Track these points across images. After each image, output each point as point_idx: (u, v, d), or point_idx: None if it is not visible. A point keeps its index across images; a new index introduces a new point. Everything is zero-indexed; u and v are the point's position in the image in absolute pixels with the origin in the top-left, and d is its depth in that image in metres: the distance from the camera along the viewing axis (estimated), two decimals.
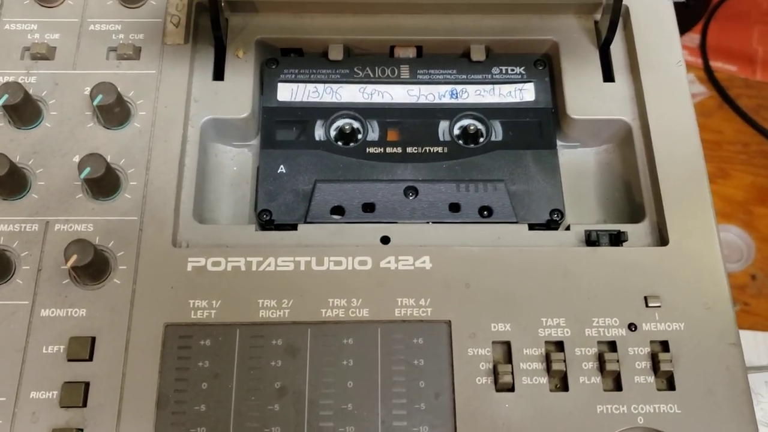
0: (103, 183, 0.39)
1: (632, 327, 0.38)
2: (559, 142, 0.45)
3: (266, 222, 0.42)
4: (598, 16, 0.46)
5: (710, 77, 0.83)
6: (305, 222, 0.42)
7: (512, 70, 0.46)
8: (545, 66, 0.46)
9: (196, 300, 0.38)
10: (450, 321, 0.38)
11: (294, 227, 0.41)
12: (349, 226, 0.41)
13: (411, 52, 0.47)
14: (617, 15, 0.44)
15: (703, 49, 0.84)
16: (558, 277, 0.39)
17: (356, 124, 0.45)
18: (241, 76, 0.44)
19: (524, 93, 0.46)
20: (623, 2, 0.44)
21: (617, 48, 0.46)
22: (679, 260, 0.39)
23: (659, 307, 0.38)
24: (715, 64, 0.84)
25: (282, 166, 0.43)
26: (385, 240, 0.40)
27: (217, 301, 0.38)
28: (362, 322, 0.38)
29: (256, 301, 0.38)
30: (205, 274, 0.38)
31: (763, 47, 0.85)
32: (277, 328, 0.37)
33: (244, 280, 0.38)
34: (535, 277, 0.39)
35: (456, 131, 0.45)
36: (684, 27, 0.85)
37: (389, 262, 0.39)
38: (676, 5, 0.47)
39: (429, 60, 0.47)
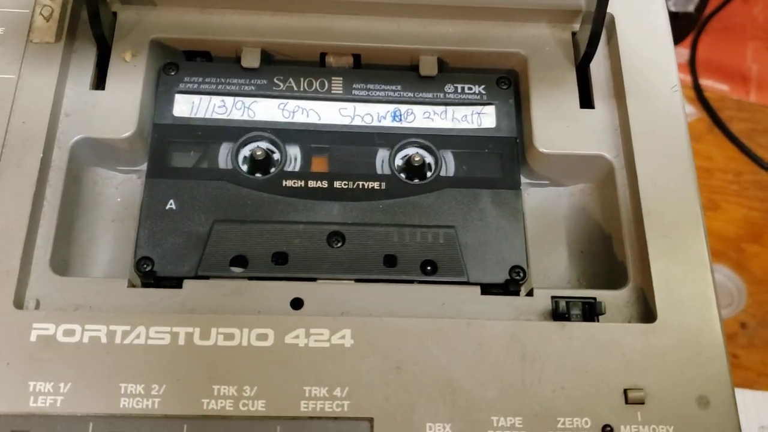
0: None
1: (607, 431, 0.29)
2: (524, 179, 0.37)
3: (146, 274, 0.32)
4: (576, 27, 0.38)
5: (700, 97, 0.74)
6: (196, 276, 0.32)
7: (470, 88, 0.37)
8: (510, 85, 0.37)
9: (38, 382, 0.29)
10: (372, 419, 0.29)
11: (179, 283, 0.32)
12: (252, 283, 0.32)
13: (346, 62, 0.38)
14: (600, 25, 0.35)
15: (692, 66, 0.76)
16: (515, 362, 0.30)
17: (272, 149, 0.36)
18: (129, 84, 0.35)
19: (483, 118, 0.37)
20: (608, 10, 0.35)
21: (599, 66, 0.37)
22: (669, 342, 0.31)
23: (642, 404, 0.30)
24: (706, 82, 0.76)
25: (172, 201, 0.34)
26: (297, 304, 0.31)
27: (66, 384, 0.29)
28: (257, 418, 0.28)
29: (118, 386, 0.29)
30: (53, 347, 0.29)
31: (758, 65, 0.77)
32: (144, 423, 0.28)
33: (104, 357, 0.29)
34: (486, 360, 0.30)
35: (398, 163, 0.36)
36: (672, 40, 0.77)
37: (297, 337, 0.30)
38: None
39: (368, 72, 0.38)
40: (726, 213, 0.68)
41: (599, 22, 0.35)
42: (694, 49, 0.78)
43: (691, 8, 0.27)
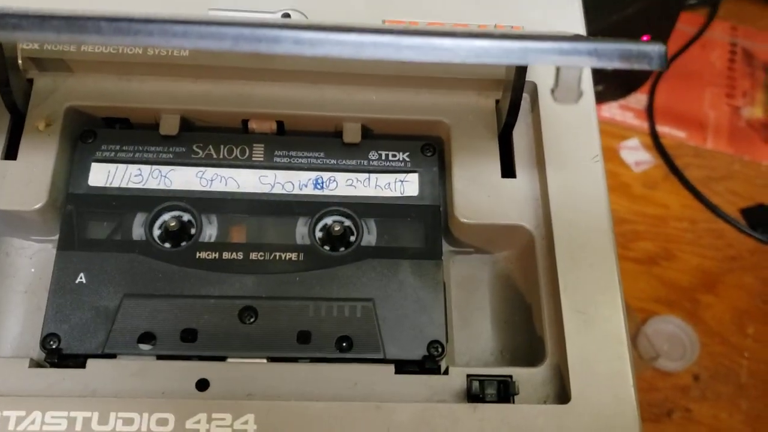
0: None
1: None
2: (448, 247, 0.36)
3: (51, 351, 0.31)
4: (500, 94, 0.37)
5: (657, 144, 0.75)
6: (103, 353, 0.31)
7: (394, 155, 0.37)
8: (434, 152, 0.37)
9: None
10: None
11: (84, 362, 0.31)
12: (157, 363, 0.31)
13: (269, 128, 0.37)
14: (518, 95, 0.35)
15: (650, 112, 0.76)
16: None
17: (187, 219, 0.35)
18: (42, 153, 0.34)
19: (406, 185, 0.36)
20: (529, 79, 0.35)
21: (521, 135, 0.37)
22: (582, 424, 0.30)
23: None
24: (663, 129, 0.76)
25: (82, 275, 0.33)
26: (203, 385, 0.31)
27: None
28: None
29: None
30: None
31: (715, 112, 0.77)
32: None
33: None
34: None
35: (318, 232, 0.35)
36: (630, 87, 0.77)
37: (198, 422, 0.29)
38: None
39: (291, 139, 0.37)
40: (680, 262, 0.68)
41: (518, 92, 0.34)
42: (651, 95, 0.78)
43: (576, 101, 0.26)
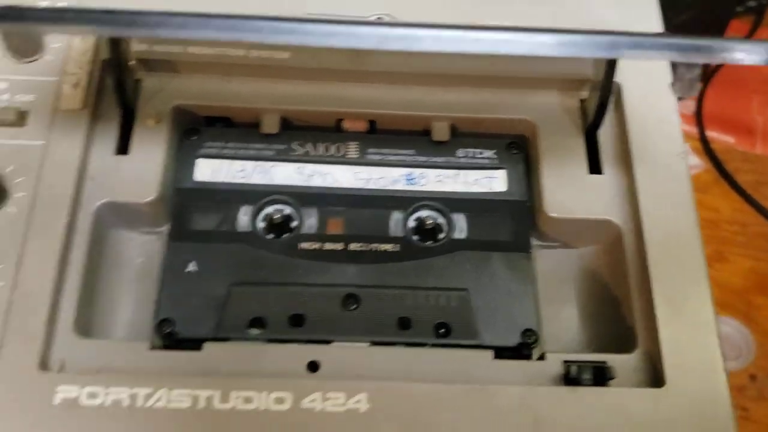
0: None
1: None
2: (535, 241, 0.38)
3: (166, 335, 0.33)
4: (584, 94, 0.39)
5: (706, 149, 0.76)
6: (215, 338, 0.33)
7: (481, 153, 0.39)
8: (520, 150, 0.39)
9: None
10: None
11: (199, 346, 0.33)
12: (269, 346, 0.33)
13: (362, 127, 0.39)
14: (607, 94, 0.36)
15: (699, 118, 0.77)
16: (526, 427, 0.30)
17: (289, 212, 0.37)
18: (152, 149, 0.36)
19: (494, 182, 0.38)
20: (615, 79, 0.37)
21: (607, 133, 0.38)
22: (677, 406, 0.31)
23: None
24: (712, 134, 0.77)
25: (193, 263, 0.35)
26: (314, 366, 0.32)
27: None
28: None
29: None
30: (77, 410, 0.30)
31: (763, 118, 0.78)
32: None
33: (127, 420, 0.30)
34: (498, 426, 0.30)
35: (411, 225, 0.37)
36: (681, 94, 0.78)
37: (314, 401, 0.31)
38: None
39: (382, 138, 0.39)
40: (733, 265, 0.68)
41: (607, 91, 0.36)
42: (700, 102, 0.79)
43: (694, 93, 0.28)
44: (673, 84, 0.29)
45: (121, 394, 0.30)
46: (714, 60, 0.27)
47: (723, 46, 0.27)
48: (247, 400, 0.30)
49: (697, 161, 0.75)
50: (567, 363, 0.33)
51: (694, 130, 0.77)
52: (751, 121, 0.78)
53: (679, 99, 0.27)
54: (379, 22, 0.27)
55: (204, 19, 0.30)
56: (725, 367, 0.32)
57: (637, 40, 0.29)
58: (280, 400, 0.30)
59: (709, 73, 0.80)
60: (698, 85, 0.28)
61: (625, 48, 0.30)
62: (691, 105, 0.79)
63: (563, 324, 0.36)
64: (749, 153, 0.76)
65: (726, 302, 0.66)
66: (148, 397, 0.30)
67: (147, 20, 0.31)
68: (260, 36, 0.24)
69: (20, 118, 0.35)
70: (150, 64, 0.38)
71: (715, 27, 0.71)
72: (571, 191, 0.36)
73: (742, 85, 0.81)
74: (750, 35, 0.82)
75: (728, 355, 0.63)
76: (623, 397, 0.31)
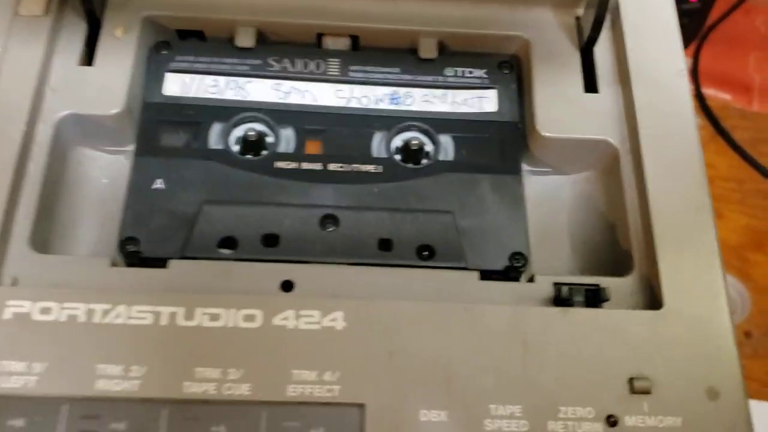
0: None
1: (612, 421, 0.28)
2: (525, 167, 0.35)
3: (130, 254, 0.31)
4: (580, 11, 0.37)
5: (702, 106, 0.74)
6: (183, 257, 0.31)
7: (471, 72, 0.36)
8: (512, 69, 0.36)
9: (10, 361, 0.27)
10: (364, 405, 0.27)
11: (164, 264, 0.30)
12: (241, 264, 0.31)
13: (344, 43, 0.37)
14: (603, 9, 0.34)
15: (694, 75, 0.75)
16: (515, 348, 0.28)
17: (265, 130, 0.34)
18: (119, 60, 0.34)
19: (484, 102, 0.36)
20: None
21: (603, 51, 0.36)
22: (676, 330, 0.29)
23: (649, 393, 0.28)
24: (708, 91, 0.75)
25: (160, 181, 0.33)
26: (288, 286, 0.30)
27: (40, 364, 0.27)
28: (241, 403, 0.27)
29: (95, 367, 0.27)
30: (28, 325, 0.28)
31: (760, 75, 0.76)
32: (120, 406, 0.27)
33: (82, 336, 0.28)
34: (484, 346, 0.28)
35: (395, 146, 0.35)
36: None
37: (286, 319, 0.28)
38: None
39: (366, 54, 0.36)
40: (729, 221, 0.67)
41: (603, 5, 0.34)
42: (696, 59, 0.77)
43: None
44: None
45: (76, 310, 0.28)
46: None
47: None
48: (214, 317, 0.28)
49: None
50: (558, 284, 0.31)
51: (690, 87, 0.75)
52: (747, 78, 0.76)
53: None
54: None
55: None
56: (727, 292, 0.30)
57: None
58: (250, 318, 0.28)
59: (705, 29, 0.78)
60: None
61: None
62: (686, 61, 0.76)
63: (555, 250, 0.34)
64: (746, 110, 0.74)
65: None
66: (106, 312, 0.28)
67: None
68: None
69: None
70: None
71: None
72: (565, 110, 0.34)
73: (739, 42, 0.79)
74: None
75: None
76: (617, 319, 0.29)
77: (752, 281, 0.63)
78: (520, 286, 0.31)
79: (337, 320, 0.28)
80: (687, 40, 0.76)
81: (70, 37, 0.34)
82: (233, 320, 0.28)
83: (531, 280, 0.31)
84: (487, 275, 0.31)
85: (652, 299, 0.31)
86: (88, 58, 0.34)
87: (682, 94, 0.34)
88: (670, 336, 0.29)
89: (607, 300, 0.30)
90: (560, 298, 0.30)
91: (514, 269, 0.32)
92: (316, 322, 0.28)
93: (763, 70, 0.77)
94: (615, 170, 0.34)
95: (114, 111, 0.33)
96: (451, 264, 0.32)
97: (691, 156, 0.33)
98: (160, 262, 0.31)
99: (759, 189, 0.69)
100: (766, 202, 0.68)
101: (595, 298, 0.30)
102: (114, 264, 0.30)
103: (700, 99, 0.74)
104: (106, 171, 0.35)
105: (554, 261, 0.34)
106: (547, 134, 0.34)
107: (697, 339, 0.29)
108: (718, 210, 0.67)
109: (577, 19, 0.36)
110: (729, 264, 0.64)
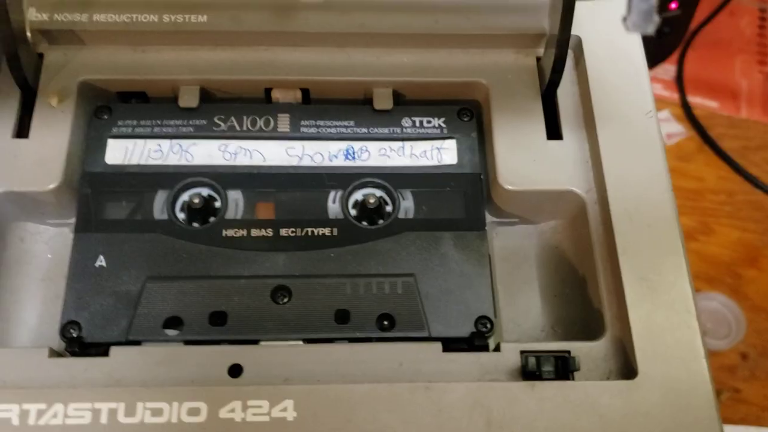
0: None
1: None
2: (490, 218, 0.34)
3: (72, 340, 0.29)
4: (541, 51, 0.35)
5: (688, 115, 0.72)
6: (127, 341, 0.29)
7: (429, 122, 0.34)
8: (472, 117, 0.34)
9: None
10: None
11: (107, 351, 0.29)
12: (186, 349, 0.29)
13: (294, 97, 0.35)
14: (564, 49, 0.32)
15: (679, 83, 0.73)
16: (479, 429, 0.27)
17: (211, 195, 0.33)
18: (55, 130, 0.32)
19: (444, 153, 0.34)
20: (573, 33, 0.33)
21: (566, 93, 0.34)
22: (652, 399, 0.27)
23: None
24: (694, 99, 0.73)
25: (102, 257, 0.31)
26: (236, 371, 0.28)
27: None
28: None
29: None
30: None
31: (747, 80, 0.74)
32: None
33: None
34: (446, 428, 0.27)
35: (351, 205, 0.33)
36: (658, 57, 0.74)
37: (233, 411, 0.27)
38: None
39: (318, 108, 0.35)
40: (720, 236, 0.65)
41: (563, 45, 0.32)
42: (680, 65, 0.75)
43: (651, 29, 0.24)
44: (625, 19, 0.24)
45: (9, 411, 0.26)
46: None
47: None
48: (156, 412, 0.26)
49: (679, 128, 0.71)
50: (525, 354, 0.29)
51: (675, 95, 0.73)
52: (734, 84, 0.74)
53: (659, 33, 0.23)
54: None
55: None
56: (706, 353, 0.28)
57: None
58: (194, 411, 0.27)
59: (689, 35, 0.76)
60: (656, 18, 0.23)
61: None
62: (671, 69, 0.75)
63: (522, 309, 0.32)
64: (734, 117, 0.72)
65: (713, 276, 0.63)
66: (42, 413, 0.26)
67: None
68: None
69: None
70: (51, 35, 0.34)
71: None
72: (528, 159, 0.32)
73: (724, 47, 0.77)
74: None
75: (717, 333, 0.60)
76: (589, 392, 0.27)
77: (747, 299, 0.61)
78: (485, 357, 0.29)
79: (287, 410, 0.27)
80: (669, 48, 0.74)
81: (3, 108, 0.32)
82: (177, 415, 0.26)
83: (497, 348, 0.29)
84: (451, 344, 0.30)
85: (626, 365, 0.29)
86: (23, 130, 0.32)
87: (651, 137, 0.32)
88: (645, 407, 0.27)
89: (577, 369, 0.28)
90: (528, 371, 0.28)
91: (479, 335, 0.30)
92: (264, 413, 0.27)
93: (749, 74, 0.75)
94: (582, 221, 0.32)
95: (52, 186, 0.31)
96: (413, 334, 0.30)
97: (663, 201, 0.31)
98: (103, 348, 0.29)
99: (750, 200, 0.67)
100: (758, 214, 0.66)
101: (564, 368, 0.28)
102: (55, 353, 0.29)
103: (685, 108, 0.72)
104: (50, 245, 0.33)
105: (524, 319, 0.32)
106: (510, 187, 0.32)
107: (675, 408, 0.27)
108: (709, 225, 0.65)
109: (538, 59, 0.35)
110: (721, 282, 0.62)
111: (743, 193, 0.67)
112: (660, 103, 0.72)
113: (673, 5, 0.68)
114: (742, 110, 0.73)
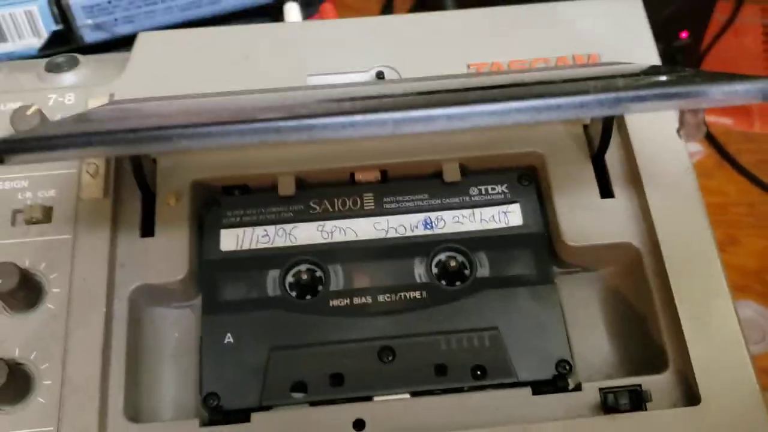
0: (8, 388, 0.32)
1: None
2: (555, 269, 0.39)
3: (213, 409, 0.34)
4: (587, 120, 0.40)
5: (706, 134, 0.76)
6: (260, 406, 0.34)
7: (493, 189, 0.40)
8: (531, 181, 0.39)
9: None
10: None
11: (246, 417, 0.34)
12: (313, 410, 0.34)
13: (374, 177, 0.40)
14: (610, 121, 0.37)
15: None
16: None
17: (316, 271, 0.38)
18: (175, 227, 0.37)
19: (510, 216, 0.39)
20: None
21: (613, 156, 0.39)
22: (716, 423, 0.32)
23: None
24: (708, 118, 0.77)
25: (229, 335, 0.36)
26: (360, 425, 0.33)
27: None
28: None
29: None
30: None
31: None
32: None
33: None
34: None
35: (435, 269, 0.38)
36: None
37: None
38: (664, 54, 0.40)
39: (396, 185, 0.40)
40: (745, 247, 0.69)
41: (610, 117, 0.37)
42: None
43: (701, 136, 0.29)
44: (678, 130, 0.29)
45: None
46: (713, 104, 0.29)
47: (719, 89, 0.28)
48: None
49: (697, 147, 0.76)
50: (603, 391, 0.34)
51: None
52: None
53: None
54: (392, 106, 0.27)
55: (220, 127, 0.27)
56: (758, 380, 0.33)
57: (636, 94, 0.29)
58: None
59: (700, 53, 0.81)
60: (704, 128, 0.28)
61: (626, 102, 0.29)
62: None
63: (594, 348, 0.37)
64: (748, 133, 0.77)
65: (743, 285, 0.67)
66: None
67: (164, 135, 0.27)
68: (279, 136, 0.25)
69: (46, 214, 0.36)
70: None
71: (701, 13, 0.72)
72: (586, 217, 0.37)
73: (734, 64, 0.81)
74: (734, 14, 0.83)
75: (751, 338, 0.64)
76: (662, 419, 0.32)
77: None
78: (569, 397, 0.34)
79: None
80: None
81: (129, 212, 0.38)
82: None
83: (578, 387, 0.34)
84: (537, 387, 0.34)
85: (690, 393, 0.33)
86: (149, 229, 0.37)
87: (691, 191, 0.37)
88: (710, 429, 0.32)
89: (649, 400, 0.33)
90: (608, 405, 0.33)
91: (561, 377, 0.35)
92: None
93: None
94: (639, 267, 0.37)
95: (179, 276, 0.36)
96: (504, 380, 0.35)
97: (708, 248, 0.36)
98: (242, 413, 0.34)
99: None
100: None
101: (638, 399, 0.33)
102: (202, 423, 0.34)
103: None
104: (175, 325, 0.38)
105: (596, 357, 0.37)
106: (573, 243, 0.37)
107: (735, 428, 0.32)
108: (734, 236, 0.70)
109: (585, 127, 0.40)
110: (751, 290, 0.67)
111: (764, 203, 0.72)
112: None
113: (684, 34, 0.73)
114: (756, 125, 0.77)
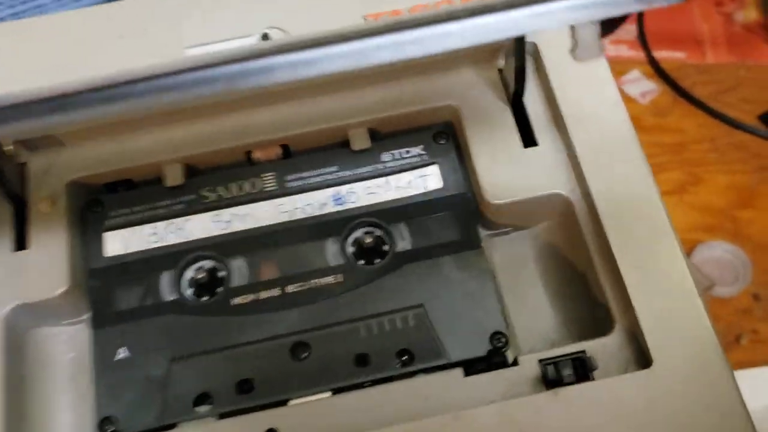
0: None
1: None
2: (484, 232, 0.35)
3: None
4: (501, 63, 0.36)
5: (657, 70, 0.72)
6: (162, 425, 0.30)
7: (407, 152, 0.35)
8: (448, 139, 0.35)
9: None
10: None
11: None
12: (221, 424, 0.30)
13: (274, 153, 0.36)
14: (522, 58, 0.33)
15: (643, 40, 0.74)
16: None
17: (214, 267, 0.34)
18: (52, 236, 0.33)
19: (428, 180, 0.35)
20: (528, 39, 0.33)
21: (533, 99, 0.35)
22: (671, 384, 0.28)
23: None
24: (660, 54, 0.74)
25: (123, 349, 0.32)
26: None
27: None
28: None
29: None
30: None
31: (708, 24, 0.75)
32: None
33: None
34: None
35: (350, 248, 0.34)
36: (618, 19, 0.75)
37: None
38: None
39: (299, 160, 0.35)
40: (710, 184, 0.66)
41: (521, 56, 0.33)
42: (641, 23, 0.75)
43: (600, 54, 0.25)
44: (572, 50, 0.25)
45: None
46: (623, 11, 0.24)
47: None
48: None
49: (651, 85, 0.72)
50: (543, 363, 0.30)
51: (641, 54, 0.74)
52: (696, 31, 0.75)
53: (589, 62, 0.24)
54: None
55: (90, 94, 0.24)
56: (714, 328, 0.29)
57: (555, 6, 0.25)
58: None
59: None
60: (601, 44, 0.24)
61: (546, 18, 0.25)
62: (632, 29, 0.75)
63: (533, 315, 0.33)
64: (702, 64, 0.73)
65: (712, 225, 0.64)
66: None
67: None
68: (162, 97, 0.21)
69: None
70: (31, 142, 0.35)
71: None
72: (509, 171, 0.33)
73: None
74: None
75: (726, 279, 0.61)
76: (611, 389, 0.29)
77: (749, 241, 0.62)
78: (505, 373, 0.30)
79: None
80: None
81: None
82: None
83: (515, 362, 0.30)
84: (470, 368, 0.31)
85: (640, 355, 0.30)
86: (21, 242, 0.33)
87: (621, 125, 0.33)
88: (666, 392, 0.28)
89: (595, 368, 0.29)
90: (549, 379, 0.29)
91: (497, 351, 0.31)
92: None
93: (709, 18, 0.76)
94: (572, 218, 0.33)
95: (61, 290, 0.32)
96: (433, 363, 0.31)
97: (646, 187, 0.32)
98: None
99: (733, 142, 0.68)
100: (743, 154, 0.67)
101: (583, 368, 0.29)
102: None
103: (653, 64, 0.73)
104: (69, 345, 0.34)
105: (536, 324, 0.33)
106: (498, 201, 0.33)
107: (695, 387, 0.28)
108: (697, 175, 0.66)
109: (500, 71, 0.35)
110: (721, 229, 0.63)
111: (725, 136, 0.68)
112: (628, 63, 0.73)
113: None
114: (708, 55, 0.73)
